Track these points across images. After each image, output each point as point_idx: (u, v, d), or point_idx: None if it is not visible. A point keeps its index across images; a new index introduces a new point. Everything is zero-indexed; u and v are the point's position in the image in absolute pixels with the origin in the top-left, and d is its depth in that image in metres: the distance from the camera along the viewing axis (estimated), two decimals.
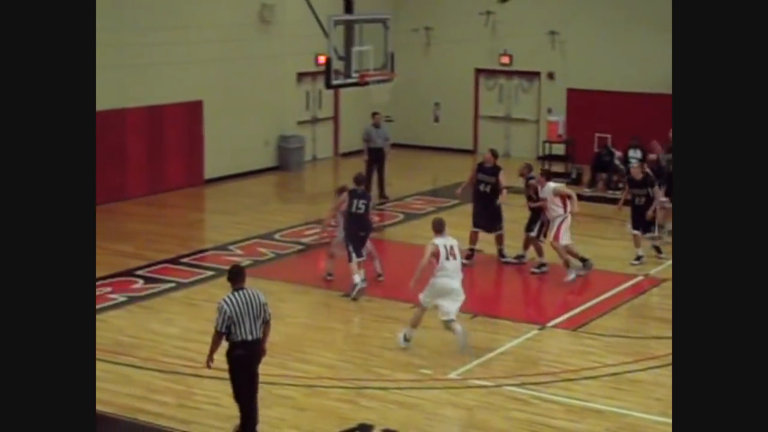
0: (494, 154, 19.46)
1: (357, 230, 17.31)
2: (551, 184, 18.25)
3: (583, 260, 18.29)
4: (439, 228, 14.70)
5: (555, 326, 15.79)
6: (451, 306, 14.40)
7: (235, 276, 11.47)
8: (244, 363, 11.29)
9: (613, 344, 15.00)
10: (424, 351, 14.63)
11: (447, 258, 14.39)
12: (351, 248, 17.15)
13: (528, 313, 17.13)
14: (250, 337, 11.19)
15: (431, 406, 12.79)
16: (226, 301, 11.20)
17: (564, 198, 18.01)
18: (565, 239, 17.89)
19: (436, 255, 14.37)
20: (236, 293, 11.27)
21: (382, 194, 24.39)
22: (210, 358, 11.46)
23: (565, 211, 17.97)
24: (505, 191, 18.93)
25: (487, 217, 19.02)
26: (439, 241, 14.48)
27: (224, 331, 11.16)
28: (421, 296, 14.59)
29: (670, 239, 18.63)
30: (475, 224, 19.11)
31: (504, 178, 18.98)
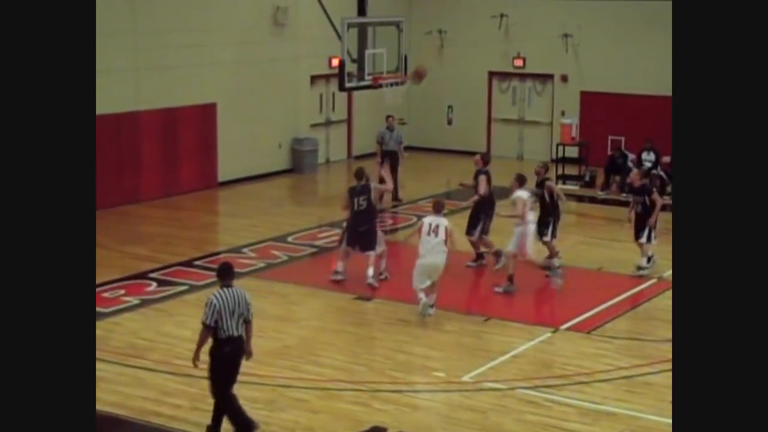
0: (483, 157, 19.30)
1: (358, 226, 17.54)
2: (518, 192, 17.62)
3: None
4: (436, 208, 16.23)
5: (568, 329, 15.77)
6: (434, 279, 15.98)
7: (225, 273, 11.71)
8: (230, 360, 11.50)
9: (627, 347, 14.98)
10: (437, 354, 14.64)
11: (428, 234, 15.81)
12: (345, 236, 17.77)
13: (541, 315, 17.11)
14: (235, 334, 11.40)
15: (445, 409, 12.79)
16: (216, 296, 11.41)
17: (524, 210, 17.50)
18: (531, 251, 17.63)
19: (420, 230, 16.03)
20: (224, 290, 11.49)
21: (395, 197, 24.39)
22: (196, 355, 11.61)
23: (524, 220, 17.51)
24: (475, 197, 18.67)
25: (468, 219, 18.95)
26: (426, 219, 16.06)
27: (213, 325, 11.33)
28: (414, 284, 15.99)
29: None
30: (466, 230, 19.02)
31: (483, 183, 18.64)
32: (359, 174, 17.91)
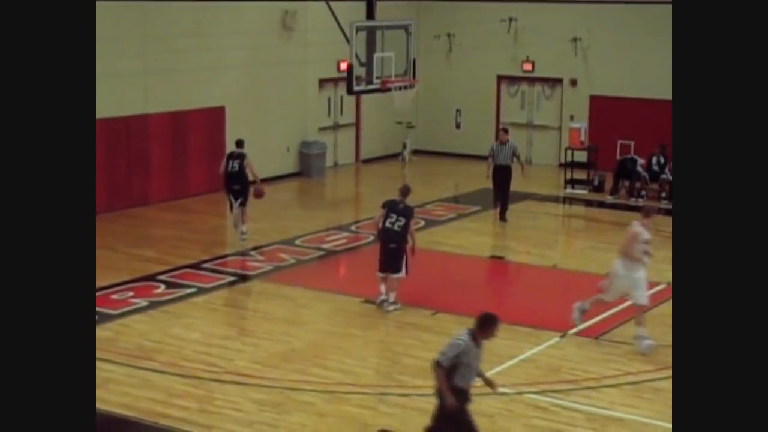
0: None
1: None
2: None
3: None
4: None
5: (576, 334, 15.75)
6: None
7: (482, 323, 11.17)
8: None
9: (635, 352, 14.93)
10: None
11: None
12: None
13: (549, 320, 17.05)
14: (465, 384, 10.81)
15: None
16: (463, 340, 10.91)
17: None
18: None
19: None
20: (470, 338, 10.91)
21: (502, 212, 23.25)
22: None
23: None
24: None
25: None
26: None
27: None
28: None
29: None
30: None
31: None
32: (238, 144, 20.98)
